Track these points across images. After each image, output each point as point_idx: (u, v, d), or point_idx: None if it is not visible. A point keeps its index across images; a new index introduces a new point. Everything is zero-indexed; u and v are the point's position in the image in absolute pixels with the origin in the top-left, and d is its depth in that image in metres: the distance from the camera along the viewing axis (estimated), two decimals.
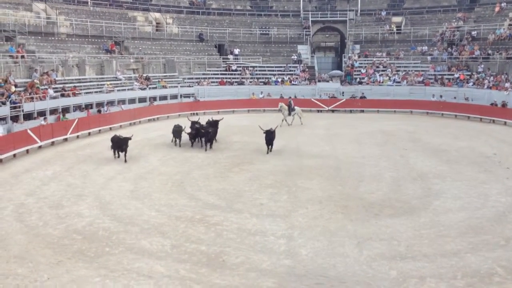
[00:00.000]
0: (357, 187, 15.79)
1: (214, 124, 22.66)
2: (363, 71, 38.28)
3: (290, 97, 31.41)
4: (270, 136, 20.56)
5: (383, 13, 43.71)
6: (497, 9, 38.78)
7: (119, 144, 19.41)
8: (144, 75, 34.81)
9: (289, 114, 28.84)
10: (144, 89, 33.12)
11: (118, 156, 19.73)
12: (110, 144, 19.90)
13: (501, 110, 29.36)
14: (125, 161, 19.19)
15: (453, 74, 35.63)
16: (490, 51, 35.44)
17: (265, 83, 37.44)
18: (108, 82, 31.55)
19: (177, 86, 35.35)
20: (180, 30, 40.69)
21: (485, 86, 32.59)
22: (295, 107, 29.18)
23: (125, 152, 19.41)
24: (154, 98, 33.25)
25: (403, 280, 9.45)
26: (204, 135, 21.69)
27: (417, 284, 9.29)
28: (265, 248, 10.99)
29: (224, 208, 13.74)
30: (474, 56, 36.13)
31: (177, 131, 22.71)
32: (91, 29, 35.28)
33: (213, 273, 9.76)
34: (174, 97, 34.74)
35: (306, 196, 14.77)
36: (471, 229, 12.03)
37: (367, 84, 36.74)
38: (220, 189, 15.53)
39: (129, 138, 19.43)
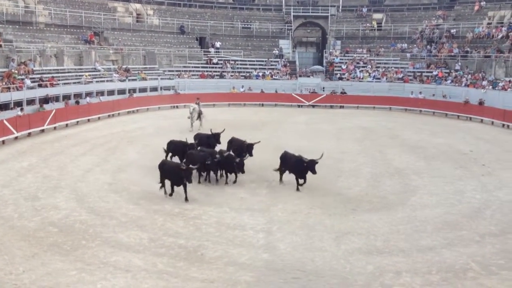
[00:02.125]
0: (335, 182, 15.89)
1: (216, 138, 18.59)
2: (344, 67, 38.45)
3: (197, 98, 26.93)
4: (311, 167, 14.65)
5: (364, 10, 43.92)
6: (476, 7, 39.28)
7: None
8: (124, 66, 34.44)
9: (198, 117, 25.37)
10: (124, 80, 32.77)
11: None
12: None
13: (478, 108, 29.79)
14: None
15: (431, 72, 36.02)
16: (468, 49, 35.90)
17: (246, 77, 37.35)
18: (87, 73, 31.12)
19: (157, 79, 35.04)
20: (161, 22, 40.31)
21: (463, 84, 33.02)
22: (201, 110, 25.77)
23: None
24: (134, 90, 32.92)
25: (380, 274, 9.56)
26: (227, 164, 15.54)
27: (393, 278, 9.40)
28: (243, 242, 11.01)
29: (203, 202, 13.71)
30: (452, 54, 36.55)
31: (179, 148, 17.28)
32: (70, 19, 34.73)
33: (191, 267, 9.74)
34: (154, 89, 34.44)
35: (285, 191, 14.82)
36: (446, 225, 12.21)
37: (348, 80, 36.92)
38: (199, 183, 15.46)
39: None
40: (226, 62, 38.68)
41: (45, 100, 26.30)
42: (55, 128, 24.39)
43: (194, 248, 10.63)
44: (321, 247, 10.80)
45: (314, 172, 14.48)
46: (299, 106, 35.15)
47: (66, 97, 28.20)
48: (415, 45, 39.47)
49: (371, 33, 42.41)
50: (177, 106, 33.42)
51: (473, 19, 38.63)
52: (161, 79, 35.31)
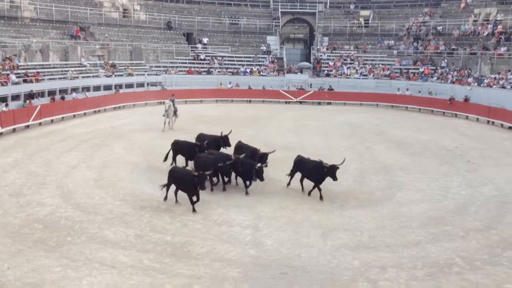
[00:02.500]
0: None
1: (225, 141, 17.14)
2: (331, 63, 38.54)
3: (172, 95, 25.38)
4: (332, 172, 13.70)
5: (352, 7, 44.04)
6: (462, 5, 39.56)
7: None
8: (110, 62, 34.18)
9: (174, 114, 24.00)
10: (110, 76, 32.53)
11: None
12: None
13: (463, 104, 30.05)
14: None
15: (418, 68, 36.25)
16: (454, 47, 36.18)
17: (233, 73, 37.29)
18: (73, 69, 30.85)
19: (144, 74, 34.85)
20: (148, 17, 40.05)
21: (449, 81, 33.29)
22: (176, 107, 24.25)
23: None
24: (120, 86, 32.68)
25: (366, 269, 9.62)
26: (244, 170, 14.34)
27: (379, 273, 9.47)
28: (231, 238, 11.01)
29: None
30: (439, 51, 36.82)
31: (187, 148, 16.35)
32: (56, 14, 34.36)
33: (177, 263, 9.72)
34: (141, 85, 34.23)
35: (272, 187, 14.83)
36: (432, 220, 12.32)
37: (335, 76, 37.01)
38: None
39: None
40: (214, 58, 38.57)
41: (30, 95, 26.01)
42: (40, 124, 24.16)
43: (181, 244, 10.60)
44: (308, 243, 10.84)
45: (335, 178, 13.49)
46: (286, 102, 35.18)
47: (52, 93, 27.91)
48: (401, 42, 39.69)
49: (358, 30, 42.53)
50: (164, 102, 33.18)
51: (459, 16, 38.93)
52: (148, 74, 35.11)
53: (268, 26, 42.88)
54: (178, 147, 16.54)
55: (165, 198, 13.27)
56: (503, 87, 29.24)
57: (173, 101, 24.17)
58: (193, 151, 15.87)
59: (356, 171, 16.99)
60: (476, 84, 31.20)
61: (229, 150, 16.41)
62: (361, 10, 43.64)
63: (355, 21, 42.78)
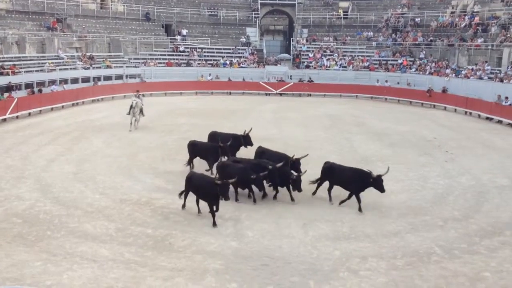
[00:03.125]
0: (303, 170, 15.95)
1: (247, 140, 16.17)
2: (311, 55, 38.61)
3: (137, 91, 22.99)
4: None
5: None
6: None
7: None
8: (88, 54, 33.73)
9: (141, 112, 21.93)
10: (88, 68, 32.13)
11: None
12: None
13: (441, 95, 30.41)
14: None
15: (396, 60, 36.54)
16: (432, 38, 36.54)
17: (213, 65, 37.12)
18: (50, 61, 30.38)
19: (122, 66, 34.49)
20: (126, 9, 39.56)
21: (427, 72, 33.64)
22: (133, 103, 21.74)
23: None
24: (98, 78, 32.31)
25: (346, 259, 9.71)
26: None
27: (359, 263, 9.56)
28: (212, 230, 11.00)
29: (171, 191, 13.59)
30: (417, 42, 37.15)
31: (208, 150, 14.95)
32: (32, 5, 33.72)
33: (159, 256, 9.68)
34: (119, 77, 33.89)
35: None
36: (411, 210, 12.48)
37: (315, 68, 37.11)
38: (167, 172, 15.37)
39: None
40: (193, 50, 38.33)
41: (7, 88, 25.55)
42: (17, 117, 23.77)
43: (162, 237, 10.56)
44: (289, 234, 10.89)
45: (382, 190, 12.04)
46: (266, 94, 35.19)
47: (29, 86, 27.46)
48: (380, 34, 39.93)
49: (338, 21, 42.64)
50: (143, 95, 32.89)
51: (437, 8, 39.30)
52: (127, 67, 34.77)
53: (248, 18, 42.73)
54: (197, 149, 15.12)
55: (183, 206, 12.21)
56: (480, 78, 29.66)
57: (139, 97, 22.45)
58: (216, 153, 14.66)
59: (336, 162, 17.03)
60: (453, 75, 31.59)
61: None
62: (340, 2, 43.75)
63: (334, 13, 42.89)
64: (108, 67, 33.61)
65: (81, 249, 9.90)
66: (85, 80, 31.47)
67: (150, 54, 37.24)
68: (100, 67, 33.14)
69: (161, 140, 19.92)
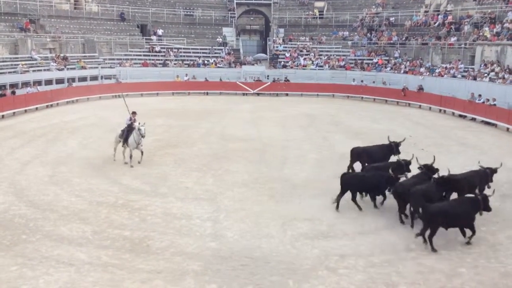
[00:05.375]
0: (281, 169, 16.04)
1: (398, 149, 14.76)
2: (287, 55, 38.73)
3: (133, 112, 16.78)
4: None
5: None
6: None
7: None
8: (62, 55, 33.22)
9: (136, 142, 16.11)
10: (62, 69, 31.65)
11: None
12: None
13: (416, 94, 30.79)
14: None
15: (372, 59, 36.90)
16: (406, 37, 36.99)
17: (189, 65, 36.93)
18: (23, 62, 29.84)
19: (97, 67, 34.07)
20: (100, 9, 39.09)
21: (402, 71, 34.04)
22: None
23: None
24: (73, 80, 31.85)
25: (325, 258, 9.75)
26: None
27: (338, 261, 9.62)
28: (190, 232, 10.93)
29: (149, 192, 13.50)
30: (392, 41, 37.57)
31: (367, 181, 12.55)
32: (4, 6, 33.07)
33: (137, 258, 9.58)
34: (94, 78, 33.47)
35: (231, 179, 14.81)
36: (388, 207, 12.54)
37: (291, 68, 37.23)
38: (144, 173, 15.23)
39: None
40: (169, 50, 38.08)
41: None
42: None
43: (140, 239, 10.46)
44: (268, 234, 10.89)
45: (488, 209, 10.41)
46: (244, 94, 35.17)
47: (2, 87, 26.94)
48: (356, 33, 40.25)
49: (313, 21, 42.87)
50: (119, 96, 32.61)
51: (411, 7, 39.80)
52: (102, 67, 34.36)
53: (224, 18, 42.64)
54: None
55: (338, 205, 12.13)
56: (454, 76, 30.13)
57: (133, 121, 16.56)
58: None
59: (314, 161, 17.18)
60: (428, 73, 32.03)
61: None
62: (315, 2, 43.95)
63: (310, 13, 43.09)
64: (83, 68, 33.17)
65: (57, 252, 9.74)
66: (59, 81, 30.99)
67: (126, 55, 36.88)
68: (74, 68, 32.67)
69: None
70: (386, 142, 14.94)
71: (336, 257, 9.81)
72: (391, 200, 13.08)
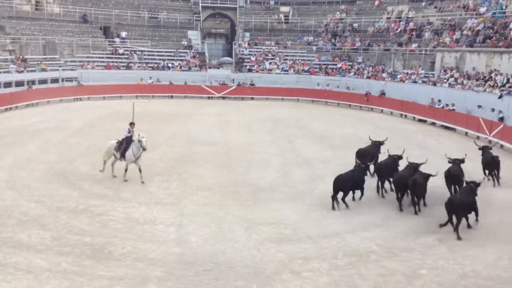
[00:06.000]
0: (246, 173, 16.02)
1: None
2: (253, 59, 38.82)
3: (131, 123, 15.30)
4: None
5: (272, 2, 44.54)
6: (376, 3, 41.18)
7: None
8: (21, 57, 32.36)
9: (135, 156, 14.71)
10: (22, 72, 30.82)
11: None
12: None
13: (378, 99, 31.32)
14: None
15: (336, 64, 37.35)
16: (369, 43, 37.61)
17: (154, 68, 36.56)
18: None
19: (58, 70, 33.33)
20: (62, 10, 38.30)
21: (365, 76, 34.58)
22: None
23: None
24: (33, 82, 31.05)
25: (289, 261, 9.77)
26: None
27: (302, 265, 9.65)
28: (153, 237, 10.78)
29: (111, 197, 13.26)
30: (355, 47, 38.13)
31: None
32: None
33: (97, 265, 9.38)
34: (55, 81, 32.70)
35: (196, 183, 14.70)
36: (351, 210, 12.73)
37: (257, 72, 37.32)
38: (106, 178, 14.94)
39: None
40: (133, 52, 37.61)
41: None
42: None
43: (101, 245, 10.24)
44: (232, 238, 10.84)
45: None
46: (209, 98, 35.03)
47: None
48: (320, 39, 40.69)
49: (279, 25, 43.13)
50: (80, 98, 32.08)
51: (373, 13, 40.51)
52: (63, 70, 33.62)
53: (189, 21, 42.43)
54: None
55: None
56: (415, 82, 30.79)
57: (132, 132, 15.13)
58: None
59: (279, 165, 17.24)
60: (390, 79, 32.64)
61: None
62: (281, 6, 44.26)
63: (275, 17, 43.33)
64: (43, 70, 32.39)
65: (15, 259, 9.45)
66: (19, 84, 30.17)
67: (88, 57, 36.19)
68: (34, 71, 31.88)
69: (100, 145, 19.27)
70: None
71: (300, 260, 9.84)
72: (353, 203, 13.26)
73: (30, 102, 29.21)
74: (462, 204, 11.22)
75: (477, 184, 11.75)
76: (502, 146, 20.48)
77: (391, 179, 13.90)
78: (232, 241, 10.68)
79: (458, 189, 13.09)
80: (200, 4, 42.87)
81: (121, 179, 14.75)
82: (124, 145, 14.76)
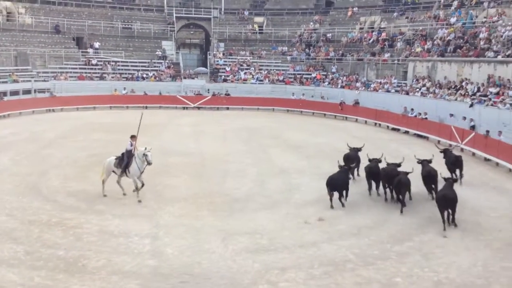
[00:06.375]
0: (222, 184, 15.98)
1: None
2: (228, 69, 38.89)
3: (133, 136, 14.38)
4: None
5: (246, 13, 44.78)
6: (349, 13, 41.77)
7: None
8: None
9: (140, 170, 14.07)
10: None
11: None
12: None
13: (352, 108, 31.65)
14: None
15: (310, 74, 37.67)
16: (343, 53, 38.07)
17: (128, 79, 36.28)
18: None
19: (30, 81, 32.82)
20: (34, 21, 37.82)
21: (339, 86, 34.94)
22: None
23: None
24: (4, 93, 30.51)
25: (266, 272, 9.76)
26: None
27: (278, 275, 9.65)
28: (128, 250, 10.66)
29: (84, 210, 13.06)
30: (329, 57, 38.55)
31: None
32: None
33: (71, 279, 9.23)
34: (28, 92, 32.21)
35: (171, 194, 14.61)
36: (327, 220, 12.79)
37: (232, 82, 37.40)
38: (79, 190, 14.74)
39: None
40: (107, 63, 37.30)
41: None
42: None
43: (74, 259, 10.07)
44: (209, 249, 10.78)
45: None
46: (184, 108, 34.91)
47: None
48: (294, 49, 41.03)
49: (253, 36, 43.34)
50: (53, 110, 31.63)
51: (346, 24, 41.05)
52: (35, 81, 33.12)
53: (163, 31, 42.31)
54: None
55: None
56: (388, 91, 31.24)
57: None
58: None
59: (255, 174, 17.24)
60: (363, 88, 33.05)
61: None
62: (255, 17, 44.52)
63: (249, 27, 43.56)
64: (15, 81, 31.89)
65: None
66: None
67: (61, 68, 35.73)
68: (6, 82, 31.36)
69: (73, 156, 19.11)
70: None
71: (276, 270, 9.84)
72: (329, 212, 13.35)
73: (2, 114, 28.65)
74: (455, 198, 12.26)
75: (454, 180, 13.08)
76: (473, 154, 20.89)
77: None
78: (209, 252, 10.63)
79: (434, 187, 14.25)
80: (174, 15, 42.81)
81: (93, 190, 14.55)
82: (125, 160, 13.96)
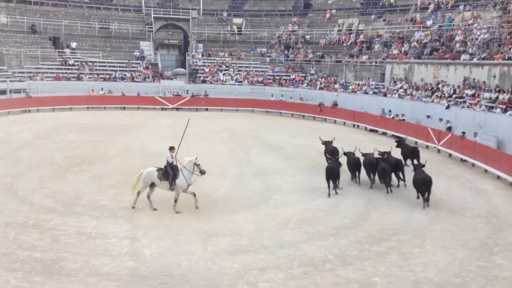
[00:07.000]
0: (202, 184, 15.86)
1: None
2: (207, 70, 38.80)
3: (171, 148, 13.87)
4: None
5: (225, 14, 44.73)
6: (327, 15, 42.05)
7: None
8: None
9: (188, 182, 13.49)
10: None
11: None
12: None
13: (331, 109, 31.84)
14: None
15: (289, 75, 37.82)
16: (321, 55, 38.31)
17: (105, 79, 35.91)
18: None
19: (5, 81, 32.26)
20: (10, 21, 37.19)
21: (318, 87, 35.14)
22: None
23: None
24: None
25: (245, 272, 9.77)
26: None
27: (258, 275, 9.66)
28: (106, 251, 10.55)
29: (61, 211, 12.90)
30: (307, 59, 38.75)
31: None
32: None
33: (48, 281, 9.10)
34: (3, 92, 31.63)
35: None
36: (306, 220, 12.87)
37: (211, 83, 37.31)
38: (56, 192, 14.55)
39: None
40: (84, 63, 36.87)
41: None
42: None
43: (51, 260, 9.94)
44: (188, 250, 10.74)
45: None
46: (163, 109, 34.70)
47: None
48: (273, 50, 41.14)
49: (232, 37, 43.32)
50: (29, 110, 31.14)
51: (325, 26, 41.31)
52: (11, 81, 32.56)
53: (141, 31, 42.02)
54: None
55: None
56: (366, 92, 31.55)
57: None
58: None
59: (235, 175, 17.25)
60: (342, 90, 33.30)
61: None
62: (233, 18, 44.50)
63: (228, 29, 43.53)
64: None
65: None
66: None
67: (37, 68, 35.22)
68: None
69: (50, 157, 18.85)
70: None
71: (256, 271, 9.85)
72: (308, 213, 13.42)
73: None
74: (431, 180, 14.05)
75: (422, 165, 14.81)
76: (450, 155, 21.22)
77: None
78: (188, 253, 10.59)
79: (401, 175, 16.19)
80: (152, 15, 42.57)
81: (71, 191, 14.38)
82: (171, 173, 13.23)
